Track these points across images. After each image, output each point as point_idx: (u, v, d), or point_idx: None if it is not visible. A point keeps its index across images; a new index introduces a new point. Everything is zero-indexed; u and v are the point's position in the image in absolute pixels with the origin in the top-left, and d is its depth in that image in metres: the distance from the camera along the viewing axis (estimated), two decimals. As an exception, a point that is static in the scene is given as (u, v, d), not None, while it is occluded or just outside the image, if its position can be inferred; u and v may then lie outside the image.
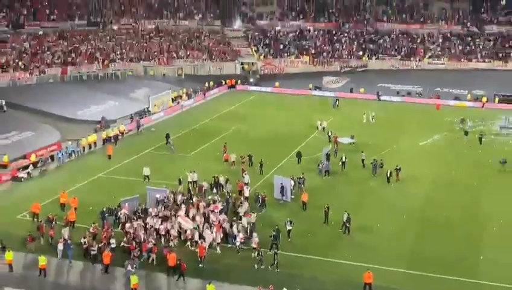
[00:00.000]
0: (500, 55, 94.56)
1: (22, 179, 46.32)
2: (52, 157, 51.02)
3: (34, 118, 60.81)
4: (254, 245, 33.09)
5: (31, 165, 48.40)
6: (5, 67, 71.41)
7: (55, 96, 67.66)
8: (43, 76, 74.10)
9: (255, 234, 33.78)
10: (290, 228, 35.40)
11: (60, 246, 32.68)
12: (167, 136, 56.17)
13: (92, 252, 32.23)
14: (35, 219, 37.21)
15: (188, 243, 34.34)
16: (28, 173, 47.23)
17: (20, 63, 73.35)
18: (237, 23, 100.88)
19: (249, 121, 66.44)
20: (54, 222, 35.88)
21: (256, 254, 32.55)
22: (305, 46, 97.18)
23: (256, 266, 32.01)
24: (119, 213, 36.73)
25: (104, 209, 37.08)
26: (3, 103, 62.05)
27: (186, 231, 34.85)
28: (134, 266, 30.87)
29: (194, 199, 39.41)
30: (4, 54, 73.92)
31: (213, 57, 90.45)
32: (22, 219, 38.42)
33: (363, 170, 49.23)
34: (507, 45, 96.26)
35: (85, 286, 30.80)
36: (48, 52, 78.40)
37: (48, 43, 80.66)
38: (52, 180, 46.87)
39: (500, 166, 49.89)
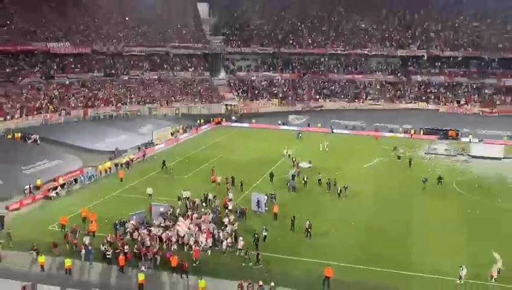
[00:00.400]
0: (423, 98, 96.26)
1: (52, 198, 45.77)
2: (75, 180, 50.49)
3: (61, 149, 60.27)
4: (240, 247, 33.40)
5: (59, 186, 48.00)
6: (39, 110, 71.03)
7: (78, 132, 67.24)
8: (69, 116, 73.69)
9: (240, 238, 34.11)
10: (266, 233, 35.52)
11: (82, 251, 32.49)
12: (163, 163, 56.12)
13: (108, 256, 32.07)
14: (63, 229, 36.88)
15: (185, 247, 34.32)
16: (57, 192, 46.79)
17: (50, 106, 72.95)
18: (222, 74, 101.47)
19: (232, 150, 66.42)
20: (77, 232, 35.61)
21: (244, 253, 32.69)
22: (275, 91, 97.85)
23: (244, 263, 32.08)
24: (127, 224, 36.45)
25: (116, 221, 36.86)
26: (37, 138, 61.53)
27: (183, 237, 34.82)
28: (147, 266, 31.01)
29: (189, 212, 39.37)
30: (38, 99, 73.51)
31: (203, 100, 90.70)
32: (52, 229, 37.98)
33: (320, 187, 49.34)
34: (428, 90, 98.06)
35: (103, 282, 30.51)
36: (73, 98, 78.10)
37: (73, 90, 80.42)
38: (75, 198, 46.36)
39: (429, 183, 50.43)
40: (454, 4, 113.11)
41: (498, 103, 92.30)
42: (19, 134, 62.49)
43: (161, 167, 55.97)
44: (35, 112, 70.25)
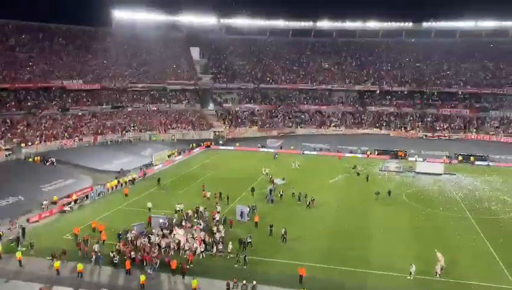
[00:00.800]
0: (377, 124, 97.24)
1: (66, 211, 45.11)
2: (87, 196, 49.81)
3: (75, 170, 59.42)
4: (229, 250, 33.66)
5: (73, 201, 47.40)
6: (56, 137, 70.27)
7: (89, 155, 66.39)
8: (81, 142, 72.80)
9: (230, 243, 34.21)
10: (250, 240, 35.39)
11: (93, 257, 32.06)
12: (158, 180, 55.99)
13: (115, 261, 31.66)
14: (76, 238, 36.31)
15: (181, 252, 34.09)
16: (71, 207, 46.18)
17: (66, 134, 72.12)
18: (211, 106, 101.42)
19: (219, 169, 66.14)
20: (88, 240, 35.12)
21: (235, 255, 32.92)
22: (255, 119, 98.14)
23: (236, 264, 32.20)
24: (128, 234, 36.05)
25: (120, 231, 36.52)
26: (54, 160, 60.70)
27: (179, 243, 34.64)
28: (152, 269, 30.82)
29: (183, 223, 39.09)
30: (55, 128, 72.68)
31: (195, 128, 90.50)
32: (66, 238, 37.35)
33: (293, 200, 49.22)
34: (380, 119, 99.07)
35: (110, 283, 30.02)
36: (85, 126, 77.31)
37: (85, 120, 79.61)
38: (86, 211, 45.65)
39: (381, 195, 50.76)
40: (400, 48, 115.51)
41: (437, 128, 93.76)
42: (39, 157, 61.75)
43: (161, 184, 55.58)
44: (52, 139, 69.40)
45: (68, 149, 69.36)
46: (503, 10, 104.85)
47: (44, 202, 45.55)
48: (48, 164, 60.27)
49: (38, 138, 67.53)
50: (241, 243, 34.81)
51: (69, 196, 48.81)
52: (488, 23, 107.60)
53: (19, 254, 32.60)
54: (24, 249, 34.35)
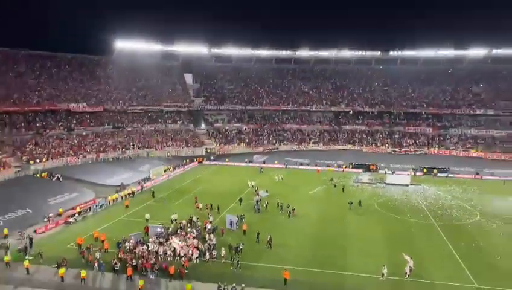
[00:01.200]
0: (351, 141, 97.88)
1: (71, 222, 44.29)
2: (90, 208, 49.03)
3: (79, 185, 58.48)
4: (223, 255, 33.71)
5: (77, 213, 46.57)
6: (61, 155, 69.28)
7: (92, 171, 65.53)
8: (85, 159, 71.86)
9: (222, 249, 34.14)
10: (241, 247, 35.14)
11: (95, 264, 31.46)
12: (153, 193, 55.81)
13: (116, 268, 31.11)
14: (79, 247, 35.63)
15: (177, 258, 33.65)
16: (75, 218, 45.31)
17: (71, 152, 71.18)
18: (203, 126, 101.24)
19: (211, 182, 65.78)
20: (90, 249, 34.49)
21: (230, 260, 32.88)
22: (243, 138, 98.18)
23: (232, 268, 32.14)
24: (126, 243, 35.53)
25: (119, 240, 36.05)
26: (60, 176, 59.80)
27: (175, 250, 34.26)
28: (154, 274, 30.45)
29: (178, 231, 38.71)
30: (61, 147, 71.70)
31: (188, 145, 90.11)
32: (71, 247, 36.64)
33: (277, 209, 49.11)
34: (354, 136, 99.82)
35: (112, 288, 29.47)
36: (88, 145, 76.41)
37: (88, 139, 78.72)
38: (89, 223, 44.86)
39: (354, 205, 50.99)
40: (370, 74, 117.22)
41: (404, 144, 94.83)
42: (46, 173, 60.80)
43: (151, 196, 55.17)
44: (58, 156, 68.40)
45: (73, 166, 68.37)
46: (458, 41, 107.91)
47: (50, 215, 44.73)
48: (54, 179, 59.31)
49: (45, 156, 66.53)
50: (232, 249, 34.58)
51: (73, 209, 48.05)
52: (446, 52, 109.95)
53: (26, 263, 31.91)
54: (31, 258, 33.59)
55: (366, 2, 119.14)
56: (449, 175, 72.54)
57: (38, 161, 64.23)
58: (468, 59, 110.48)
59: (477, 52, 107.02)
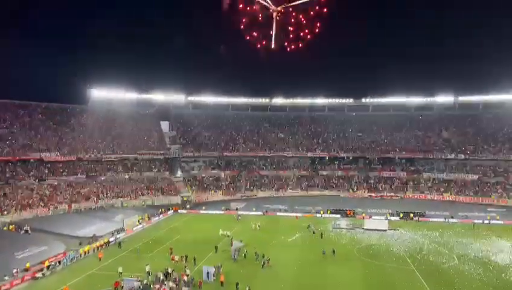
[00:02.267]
0: (328, 187, 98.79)
1: (38, 278, 42.20)
2: (59, 262, 46.96)
3: (48, 237, 56.27)
4: None
5: (46, 267, 44.48)
6: (31, 206, 67.08)
7: (63, 223, 63.50)
8: (56, 210, 69.82)
9: None
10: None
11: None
12: (119, 245, 54.75)
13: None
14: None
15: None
16: (43, 273, 43.25)
17: (41, 203, 69.09)
18: (179, 173, 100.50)
19: (187, 231, 64.45)
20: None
21: None
22: (220, 185, 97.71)
23: None
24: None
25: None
26: (29, 228, 57.55)
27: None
28: None
29: (152, 286, 37.45)
30: (31, 198, 69.58)
31: (164, 193, 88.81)
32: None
33: (254, 258, 48.16)
34: (330, 181, 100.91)
35: None
36: (60, 195, 74.42)
37: (60, 189, 76.80)
38: (59, 277, 42.87)
39: (328, 253, 50.49)
40: (344, 120, 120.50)
41: (380, 189, 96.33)
42: (13, 226, 58.50)
43: (118, 247, 53.81)
44: (28, 208, 66.22)
45: (43, 217, 66.13)
46: (427, 89, 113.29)
47: (15, 270, 42.60)
48: (22, 232, 57.02)
49: (14, 208, 64.22)
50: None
51: (41, 263, 45.92)
52: (416, 99, 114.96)
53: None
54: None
55: (338, 53, 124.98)
56: (425, 219, 73.48)
57: (6, 213, 61.94)
58: (436, 105, 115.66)
59: (444, 99, 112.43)
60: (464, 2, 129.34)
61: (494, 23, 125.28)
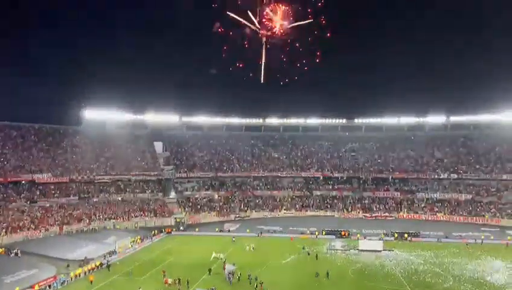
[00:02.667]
0: (322, 207, 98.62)
1: (28, 303, 41.38)
2: (50, 286, 46.15)
3: (38, 260, 55.37)
4: None
5: (35, 292, 43.68)
6: (22, 228, 66.20)
7: (54, 245, 62.62)
8: (47, 232, 68.93)
9: None
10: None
11: None
12: (108, 267, 53.93)
13: None
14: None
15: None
16: (33, 298, 42.39)
17: (32, 225, 68.20)
18: (172, 194, 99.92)
19: (180, 254, 63.67)
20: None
21: None
22: (213, 205, 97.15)
23: None
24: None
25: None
26: (19, 251, 56.70)
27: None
28: None
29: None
30: (22, 220, 68.70)
31: (157, 215, 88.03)
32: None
33: (247, 281, 47.58)
34: (325, 202, 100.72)
35: None
36: (51, 217, 73.55)
37: (52, 211, 75.94)
38: (49, 302, 42.09)
39: (322, 275, 49.85)
40: (337, 140, 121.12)
41: (374, 209, 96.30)
42: (3, 249, 57.58)
43: (107, 270, 53.05)
44: (18, 230, 65.32)
45: (34, 240, 65.18)
46: (418, 109, 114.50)
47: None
48: (12, 255, 56.12)
49: (4, 230, 63.32)
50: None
51: (31, 287, 45.02)
52: (408, 120, 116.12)
53: None
54: None
55: (330, 74, 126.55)
56: (419, 239, 73.35)
57: (-5, 236, 61.07)
58: (428, 126, 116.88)
59: (436, 119, 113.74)
60: (454, 24, 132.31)
61: (484, 44, 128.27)
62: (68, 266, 53.40)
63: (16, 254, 56.32)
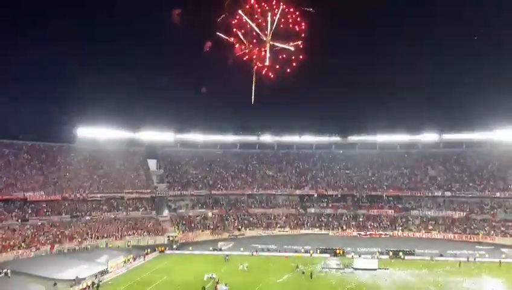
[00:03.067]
0: (317, 225, 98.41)
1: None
2: (40, 307, 45.49)
3: (29, 280, 54.71)
4: None
5: (25, 314, 42.90)
6: (12, 247, 65.40)
7: (45, 264, 61.95)
8: (38, 251, 68.16)
9: None
10: None
11: None
12: (97, 287, 53.28)
13: None
14: None
15: None
16: (22, 319, 41.62)
17: (23, 244, 67.36)
18: (165, 212, 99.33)
19: (173, 273, 62.95)
20: None
21: None
22: (207, 224, 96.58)
23: None
24: None
25: None
26: (9, 271, 55.92)
27: None
28: None
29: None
30: (13, 239, 67.89)
31: (150, 233, 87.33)
32: None
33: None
34: (320, 219, 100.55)
35: None
36: (43, 236, 72.77)
37: (44, 230, 75.19)
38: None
39: None
40: (331, 158, 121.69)
41: (369, 227, 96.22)
42: (-8, 269, 56.73)
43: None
44: (9, 250, 64.48)
45: (24, 259, 64.40)
46: (411, 127, 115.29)
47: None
48: (1, 275, 55.32)
49: (-6, 249, 62.58)
50: None
51: (21, 308, 44.36)
52: (401, 137, 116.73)
53: None
54: None
55: (323, 92, 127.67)
56: (414, 257, 73.24)
57: (-15, 255, 60.21)
58: (421, 143, 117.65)
59: (429, 137, 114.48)
60: (446, 42, 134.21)
61: (477, 62, 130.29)
62: (55, 284, 52.62)
63: (6, 273, 55.52)
